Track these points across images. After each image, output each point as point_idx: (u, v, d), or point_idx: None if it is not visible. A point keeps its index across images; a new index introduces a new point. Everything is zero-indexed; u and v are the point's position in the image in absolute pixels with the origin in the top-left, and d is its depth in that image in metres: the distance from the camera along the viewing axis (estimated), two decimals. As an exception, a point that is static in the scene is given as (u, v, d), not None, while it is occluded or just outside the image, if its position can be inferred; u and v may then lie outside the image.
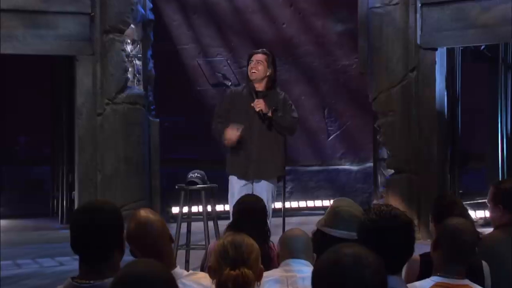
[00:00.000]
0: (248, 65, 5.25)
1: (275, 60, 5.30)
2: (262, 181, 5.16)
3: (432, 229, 3.27)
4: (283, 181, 5.59)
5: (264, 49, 5.35)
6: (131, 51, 7.28)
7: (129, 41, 7.22)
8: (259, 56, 5.19)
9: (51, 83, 8.79)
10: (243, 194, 4.94)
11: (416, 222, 6.63)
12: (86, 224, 2.15)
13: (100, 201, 2.53)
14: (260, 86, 5.19)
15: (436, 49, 6.97)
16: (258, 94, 5.16)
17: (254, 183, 5.16)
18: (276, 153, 5.16)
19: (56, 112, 8.70)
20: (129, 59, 7.21)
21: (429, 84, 6.97)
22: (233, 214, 3.70)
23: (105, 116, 7.02)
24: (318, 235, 3.01)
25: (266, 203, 4.98)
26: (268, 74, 5.19)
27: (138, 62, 7.32)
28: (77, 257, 2.23)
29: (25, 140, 9.33)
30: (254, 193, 5.05)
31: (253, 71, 5.16)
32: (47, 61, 8.30)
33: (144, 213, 2.61)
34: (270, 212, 5.04)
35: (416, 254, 2.85)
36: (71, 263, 5.78)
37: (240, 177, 5.18)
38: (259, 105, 5.04)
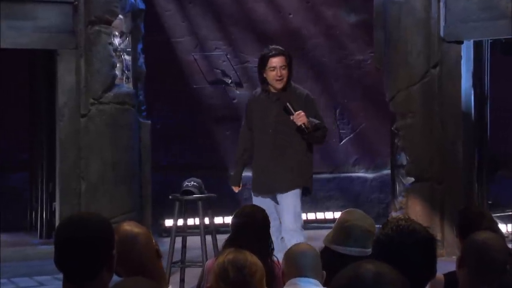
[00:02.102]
0: (262, 69, 5.21)
1: (292, 58, 5.34)
2: (285, 194, 5.14)
3: (457, 244, 3.26)
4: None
5: (280, 49, 5.32)
6: (119, 44, 7.29)
7: (117, 33, 7.23)
8: (281, 60, 5.18)
9: (29, 81, 8.79)
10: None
11: (439, 236, 6.63)
12: (71, 238, 2.15)
13: (88, 212, 2.53)
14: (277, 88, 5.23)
15: (462, 42, 6.97)
16: (273, 96, 5.18)
17: (277, 197, 5.17)
18: (297, 163, 5.15)
19: (35, 112, 8.70)
20: (117, 53, 7.22)
21: (454, 81, 6.97)
22: (231, 227, 3.72)
23: (90, 117, 7.02)
24: (327, 253, 3.01)
25: (293, 212, 5.00)
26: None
27: (127, 57, 7.33)
28: (58, 276, 2.24)
29: None
30: (279, 208, 5.10)
31: (279, 79, 5.15)
32: (24, 56, 8.31)
33: (127, 226, 2.62)
34: (300, 222, 5.09)
35: (440, 273, 2.85)
36: (52, 283, 5.79)
37: (258, 193, 5.24)
38: (301, 118, 5.03)
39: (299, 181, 5.16)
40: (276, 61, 5.17)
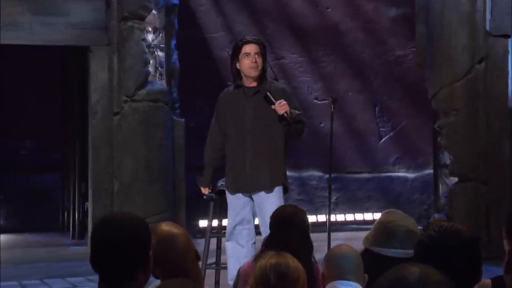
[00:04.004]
0: (236, 58, 5.09)
1: (266, 50, 5.25)
2: (263, 192, 5.07)
3: (506, 247, 3.22)
4: (329, 190, 5.54)
5: (254, 37, 5.28)
6: (153, 40, 7.33)
7: (150, 29, 7.27)
8: (255, 47, 5.07)
9: (61, 78, 8.90)
10: (238, 210, 5.09)
11: (485, 239, 6.55)
12: (107, 238, 2.18)
13: (125, 213, 2.55)
14: (252, 82, 5.12)
15: (509, 36, 6.89)
16: (249, 91, 5.09)
17: (254, 197, 5.09)
18: (276, 161, 5.07)
19: (67, 111, 8.81)
20: (150, 49, 7.26)
21: (500, 77, 6.89)
22: (270, 227, 3.72)
23: (123, 116, 7.08)
24: (368, 255, 2.99)
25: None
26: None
27: (160, 53, 7.37)
28: (91, 277, 2.27)
29: (31, 144, 9.47)
30: (256, 207, 5.07)
31: (254, 65, 5.01)
32: (56, 53, 8.42)
33: (165, 226, 2.64)
34: None
35: (486, 278, 2.82)
36: (85, 284, 5.83)
37: (234, 191, 5.15)
38: (283, 107, 4.96)
39: (279, 179, 5.08)
40: (250, 48, 5.05)
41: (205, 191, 5.35)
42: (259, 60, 5.05)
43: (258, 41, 5.16)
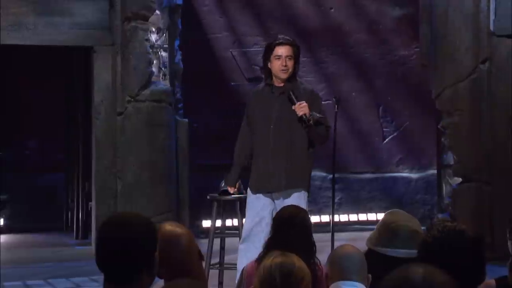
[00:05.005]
0: (267, 59, 5.07)
1: (300, 51, 5.20)
2: (282, 197, 5.02)
3: (510, 248, 3.23)
4: (332, 191, 5.52)
5: (287, 38, 5.21)
6: (156, 41, 7.34)
7: (153, 29, 7.28)
8: (287, 50, 5.05)
9: (65, 78, 8.91)
10: (258, 209, 5.03)
11: (488, 239, 6.55)
12: (113, 238, 2.18)
13: (131, 212, 2.55)
14: (281, 82, 5.10)
15: (513, 37, 6.89)
16: (277, 90, 5.07)
17: (275, 199, 5.05)
18: (295, 163, 5.03)
19: (71, 111, 8.82)
20: (154, 50, 7.27)
21: (504, 78, 6.88)
22: (272, 228, 3.71)
23: (126, 116, 7.09)
24: (371, 255, 2.99)
25: None
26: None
27: (163, 54, 7.38)
28: (95, 277, 2.26)
29: (35, 144, 9.48)
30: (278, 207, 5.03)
31: (284, 69, 5.00)
32: (60, 53, 8.42)
33: (169, 226, 2.64)
34: None
35: (490, 278, 2.81)
36: (89, 284, 5.84)
37: (255, 191, 5.11)
38: (302, 108, 4.94)
39: (298, 183, 5.01)
40: (282, 50, 5.03)
41: (231, 190, 5.33)
42: (290, 64, 5.02)
43: (291, 43, 5.11)
